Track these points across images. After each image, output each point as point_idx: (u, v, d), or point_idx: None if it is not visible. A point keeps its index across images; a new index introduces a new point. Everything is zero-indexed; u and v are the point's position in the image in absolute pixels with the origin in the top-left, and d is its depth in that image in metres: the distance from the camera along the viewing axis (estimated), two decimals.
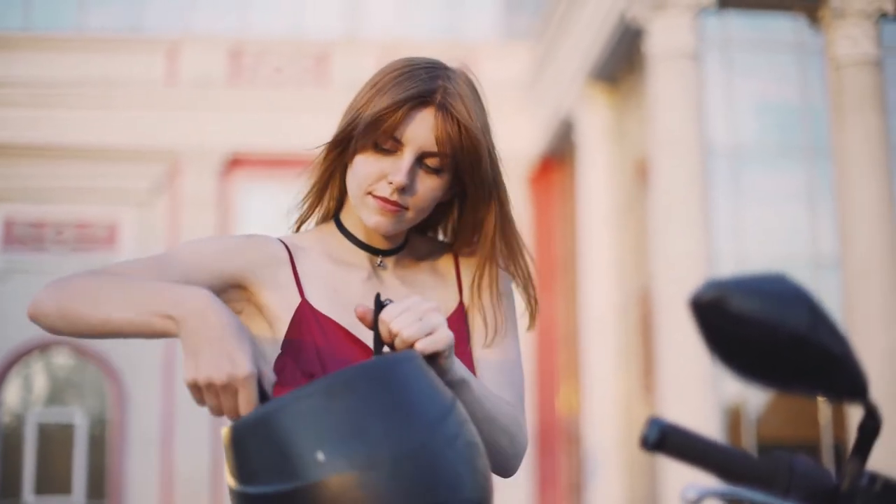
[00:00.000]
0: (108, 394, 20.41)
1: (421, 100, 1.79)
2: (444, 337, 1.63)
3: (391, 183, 1.78)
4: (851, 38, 13.23)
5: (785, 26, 15.15)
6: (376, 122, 1.78)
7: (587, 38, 16.83)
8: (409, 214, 1.83)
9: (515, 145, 20.16)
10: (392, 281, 1.92)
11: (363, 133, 1.79)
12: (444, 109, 1.79)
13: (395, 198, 1.79)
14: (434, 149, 1.80)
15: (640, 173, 16.17)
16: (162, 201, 20.79)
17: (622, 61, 16.51)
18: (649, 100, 14.36)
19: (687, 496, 1.11)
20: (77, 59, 20.65)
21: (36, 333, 20.07)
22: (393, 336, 1.62)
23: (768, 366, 1.12)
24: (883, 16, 13.64)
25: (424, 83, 1.80)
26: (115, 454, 20.10)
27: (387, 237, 1.89)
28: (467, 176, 1.85)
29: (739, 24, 15.24)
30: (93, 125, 20.38)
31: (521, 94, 20.51)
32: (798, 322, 1.10)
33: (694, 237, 13.21)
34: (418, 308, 1.63)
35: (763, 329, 1.09)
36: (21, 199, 20.52)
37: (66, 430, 20.34)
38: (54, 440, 20.35)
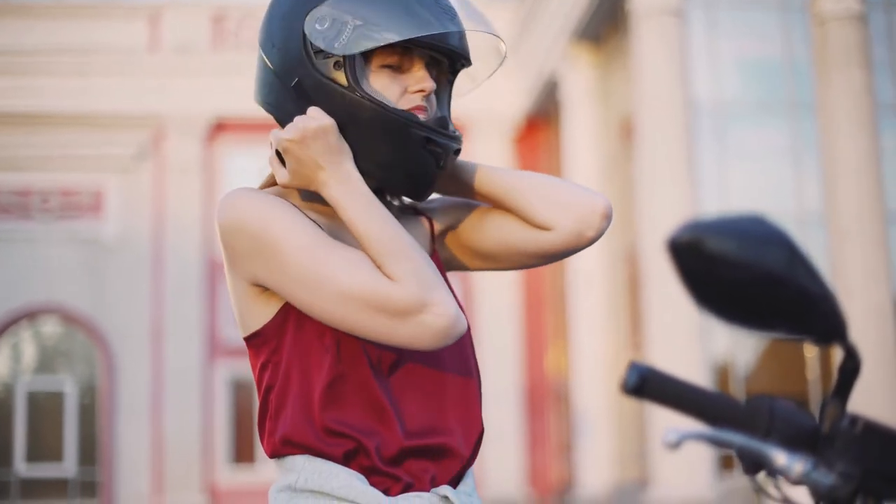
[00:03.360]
0: (97, 361, 20.42)
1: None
2: None
3: (422, 90, 1.82)
4: None
5: None
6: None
7: None
8: None
9: (500, 106, 20.14)
10: None
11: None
12: None
13: (425, 102, 1.83)
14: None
15: (626, 132, 16.16)
16: (147, 167, 20.73)
17: (606, 20, 16.45)
18: (634, 58, 14.33)
19: (668, 439, 1.11)
20: (59, 27, 20.53)
21: (24, 302, 20.04)
22: None
23: (747, 307, 1.12)
24: None
25: None
26: (105, 421, 20.13)
27: None
28: None
29: None
30: (76, 93, 20.28)
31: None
32: (776, 262, 1.09)
33: (679, 195, 13.22)
34: None
35: (741, 270, 1.09)
36: (6, 167, 20.45)
37: (56, 398, 20.35)
38: (44, 408, 20.36)
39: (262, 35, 1.86)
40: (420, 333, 1.64)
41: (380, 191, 1.85)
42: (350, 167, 1.75)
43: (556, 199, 1.85)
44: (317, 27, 1.76)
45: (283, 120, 1.82)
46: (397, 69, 1.81)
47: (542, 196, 1.86)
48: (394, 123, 1.75)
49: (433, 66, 1.85)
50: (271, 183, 1.90)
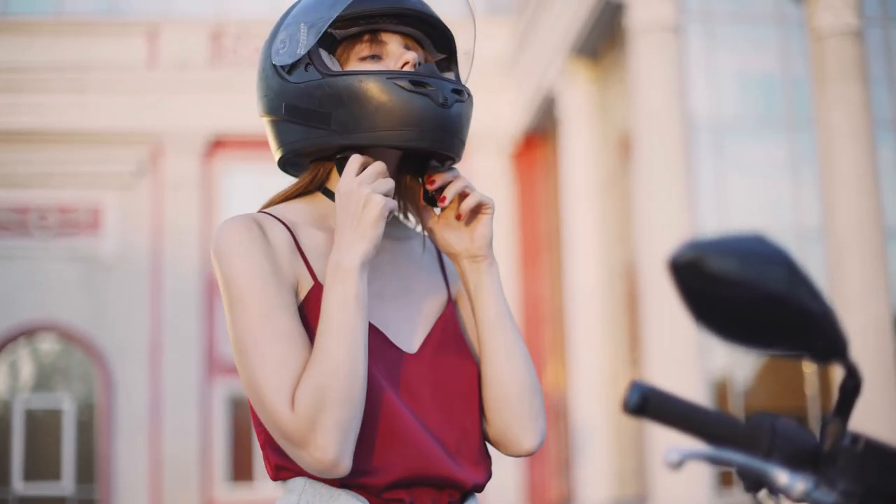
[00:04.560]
0: (95, 378, 20.39)
1: None
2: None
3: (406, 63, 1.80)
4: (833, 9, 13.21)
5: None
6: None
7: (568, 14, 16.80)
8: None
9: (498, 122, 20.16)
10: (387, 245, 1.88)
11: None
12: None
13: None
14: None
15: (624, 148, 16.17)
16: (145, 184, 20.74)
17: (603, 36, 16.48)
18: (631, 74, 14.35)
19: (670, 458, 1.11)
20: (57, 44, 20.56)
21: (22, 319, 20.02)
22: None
23: (748, 326, 1.12)
24: None
25: None
26: (103, 439, 20.09)
27: None
28: None
29: None
30: (74, 109, 20.30)
31: (504, 70, 20.48)
32: (777, 282, 1.10)
33: (678, 210, 13.23)
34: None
35: (742, 289, 1.09)
36: (3, 184, 20.45)
37: (54, 416, 20.32)
38: (42, 426, 20.33)
39: (259, 103, 1.87)
40: (303, 462, 1.63)
41: (408, 166, 1.86)
42: (351, 262, 1.67)
43: (514, 415, 1.83)
44: (280, 51, 1.79)
45: (302, 155, 1.82)
46: (376, 58, 1.80)
47: (509, 408, 1.83)
48: (372, 82, 1.73)
49: (419, 49, 1.85)
50: (282, 199, 1.87)
